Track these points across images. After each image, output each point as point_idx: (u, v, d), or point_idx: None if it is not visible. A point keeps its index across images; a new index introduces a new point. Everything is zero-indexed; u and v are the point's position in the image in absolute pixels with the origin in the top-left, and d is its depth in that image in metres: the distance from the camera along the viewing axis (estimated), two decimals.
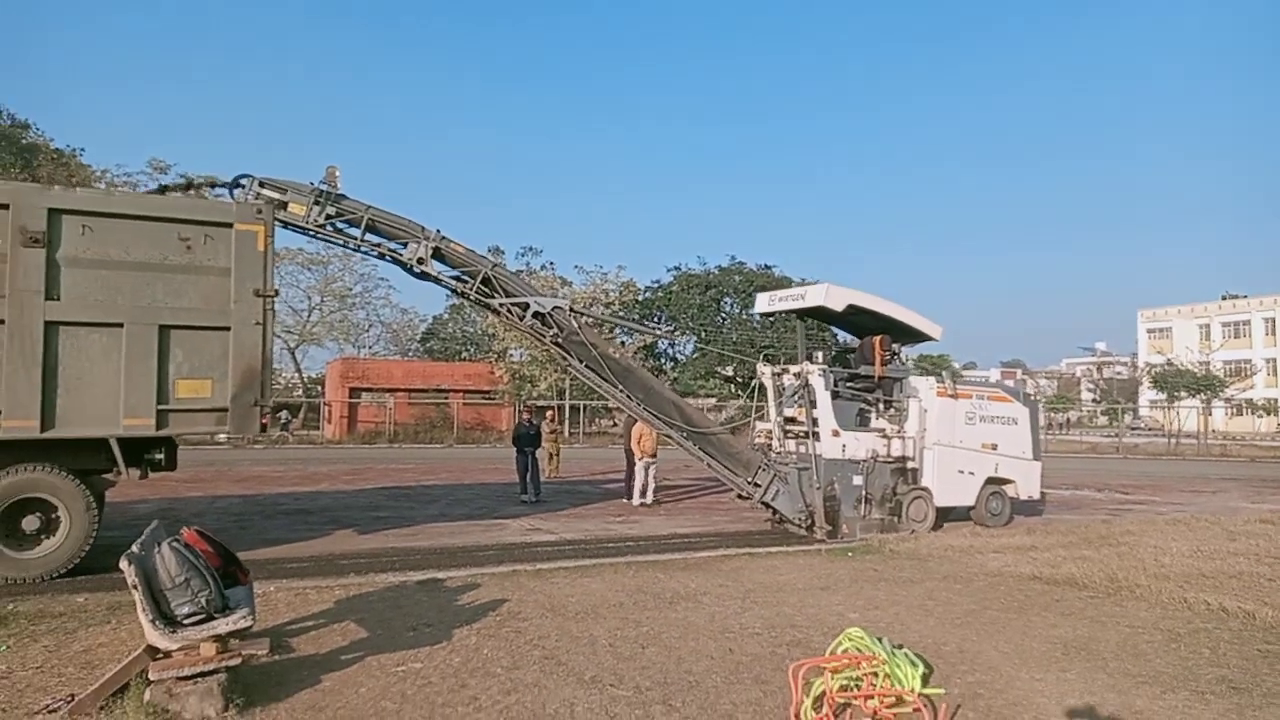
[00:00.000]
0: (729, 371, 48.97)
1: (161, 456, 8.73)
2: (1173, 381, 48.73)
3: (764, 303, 13.50)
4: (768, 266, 52.56)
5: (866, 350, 12.23)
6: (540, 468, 15.77)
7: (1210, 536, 11.14)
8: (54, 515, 7.89)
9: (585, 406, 42.29)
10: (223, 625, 4.42)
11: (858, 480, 11.43)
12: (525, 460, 14.93)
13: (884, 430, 11.92)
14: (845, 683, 4.61)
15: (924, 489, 11.92)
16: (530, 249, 49.57)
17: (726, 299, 52.30)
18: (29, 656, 5.39)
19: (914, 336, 12.99)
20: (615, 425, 47.68)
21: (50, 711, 4.39)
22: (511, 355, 42.64)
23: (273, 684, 4.83)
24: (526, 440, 15.12)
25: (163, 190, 9.93)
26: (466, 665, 5.28)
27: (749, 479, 11.50)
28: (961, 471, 12.27)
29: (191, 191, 10.20)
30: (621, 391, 11.51)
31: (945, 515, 12.35)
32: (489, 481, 17.96)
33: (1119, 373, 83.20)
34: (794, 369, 12.05)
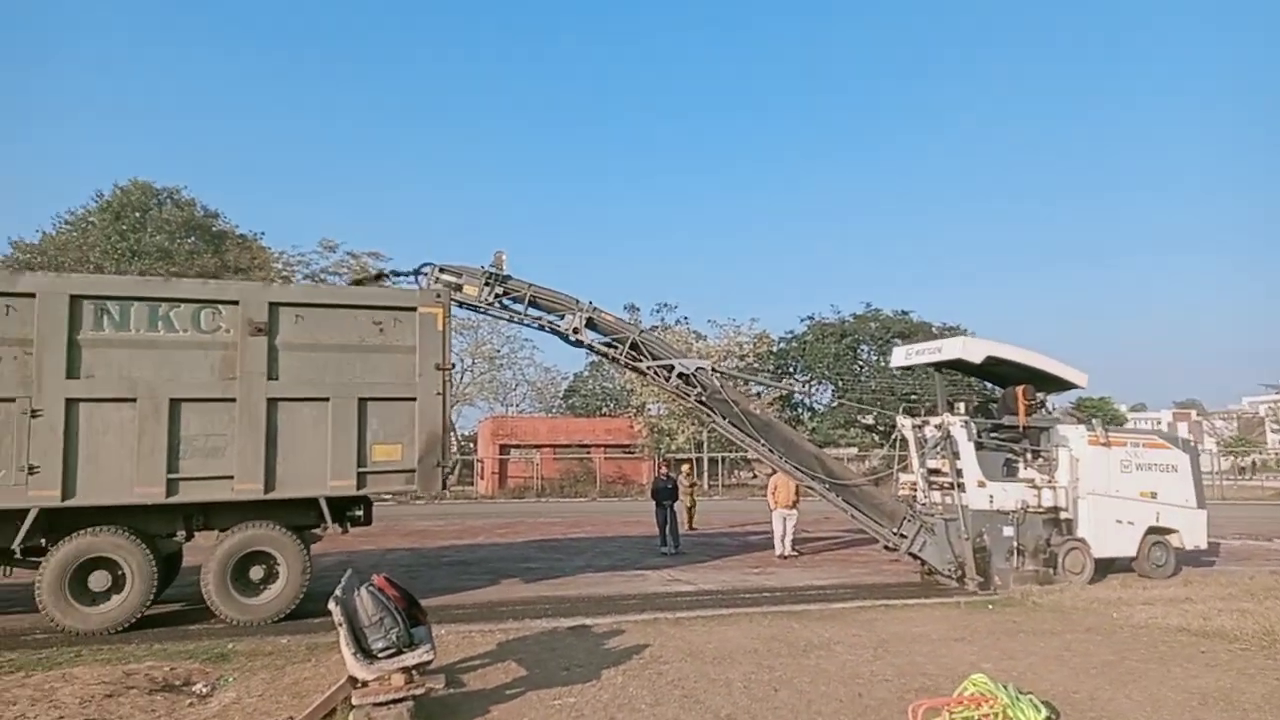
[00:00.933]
0: (869, 420, 48.01)
1: (361, 513, 9.94)
2: None
3: (901, 356, 13.77)
4: (904, 312, 51.52)
5: (1010, 400, 12.21)
6: (679, 520, 16.29)
7: None
8: (275, 566, 9.11)
9: (724, 459, 42.59)
10: (410, 658, 5.22)
11: (1008, 531, 11.32)
12: (664, 513, 15.54)
13: (1033, 480, 11.79)
14: None
15: (1080, 540, 11.65)
16: (665, 305, 50.67)
17: (863, 346, 51.56)
18: (251, 687, 6.40)
19: (1058, 385, 12.85)
20: (755, 478, 47.64)
21: None
22: (649, 410, 43.66)
23: (449, 713, 5.58)
24: (664, 494, 15.74)
25: (358, 282, 11.38)
26: (614, 701, 5.87)
27: (894, 530, 11.61)
28: (1120, 521, 11.93)
29: (382, 281, 11.67)
30: (764, 445, 12.00)
31: (1107, 567, 12.03)
32: (631, 534, 18.64)
33: None
34: (935, 421, 12.15)
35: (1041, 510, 11.57)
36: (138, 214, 37.90)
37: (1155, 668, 6.66)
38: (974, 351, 12.06)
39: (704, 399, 12.04)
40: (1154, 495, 12.20)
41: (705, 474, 40.58)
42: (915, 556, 11.68)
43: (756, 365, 43.68)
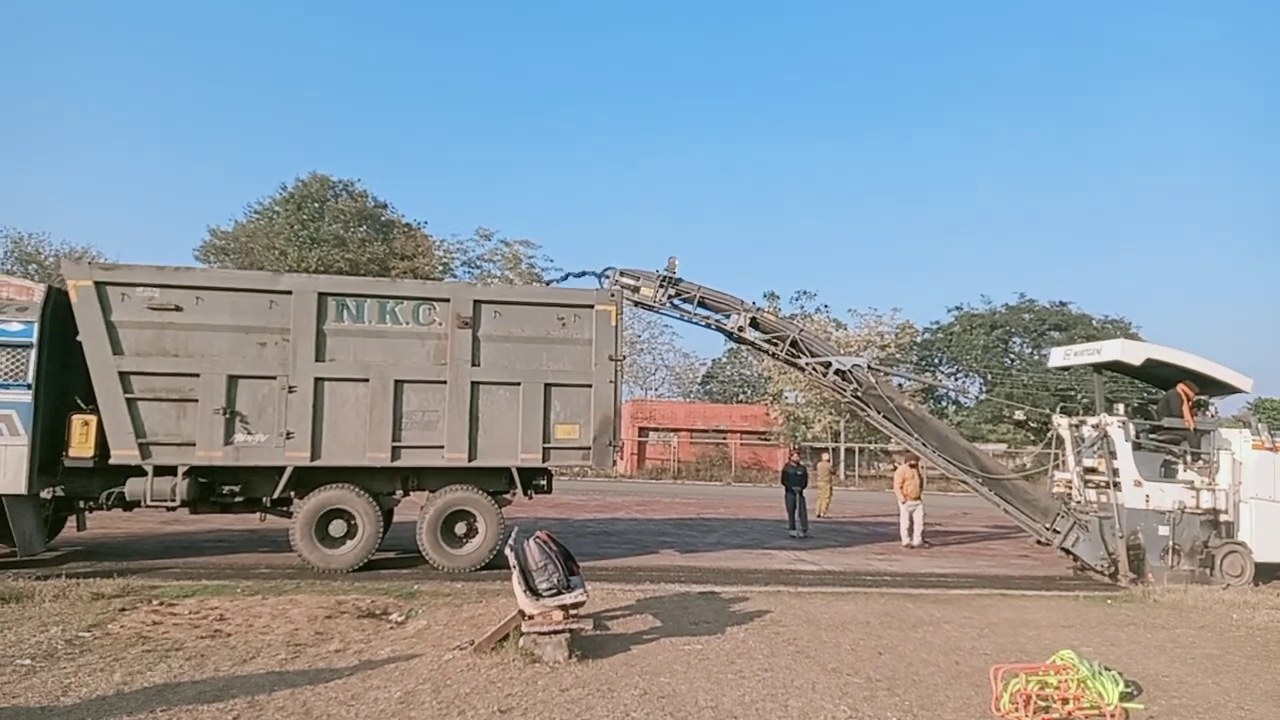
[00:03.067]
0: (1020, 416, 46.30)
1: (544, 483, 11.39)
2: None
3: (1059, 357, 14.03)
4: (1062, 303, 49.26)
5: (1173, 403, 12.31)
6: (808, 506, 16.97)
7: None
8: (475, 524, 10.68)
9: (861, 450, 42.43)
10: (568, 598, 6.38)
11: (1164, 531, 11.53)
12: (793, 498, 16.28)
13: (1192, 482, 11.88)
14: (1043, 686, 5.52)
15: (1240, 543, 11.67)
16: (804, 293, 50.69)
17: (1015, 339, 49.75)
18: (437, 618, 7.78)
19: (1221, 388, 12.81)
20: (894, 469, 47.10)
21: (460, 649, 6.59)
22: (786, 398, 44.01)
23: (597, 648, 6.70)
24: (795, 480, 16.46)
25: (547, 283, 12.85)
26: (735, 650, 6.84)
27: (1047, 525, 12.03)
28: None
29: (566, 281, 13.10)
30: (917, 440, 12.65)
31: (1271, 572, 11.94)
32: (762, 517, 19.44)
33: None
34: (1092, 421, 12.45)
35: (1199, 512, 11.65)
36: (316, 205, 41.74)
37: (1256, 663, 6.95)
38: (1133, 354, 12.28)
39: (859, 394, 12.79)
40: None
41: (842, 464, 40.62)
42: (1067, 551, 12.03)
43: (898, 356, 43.09)
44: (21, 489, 9.36)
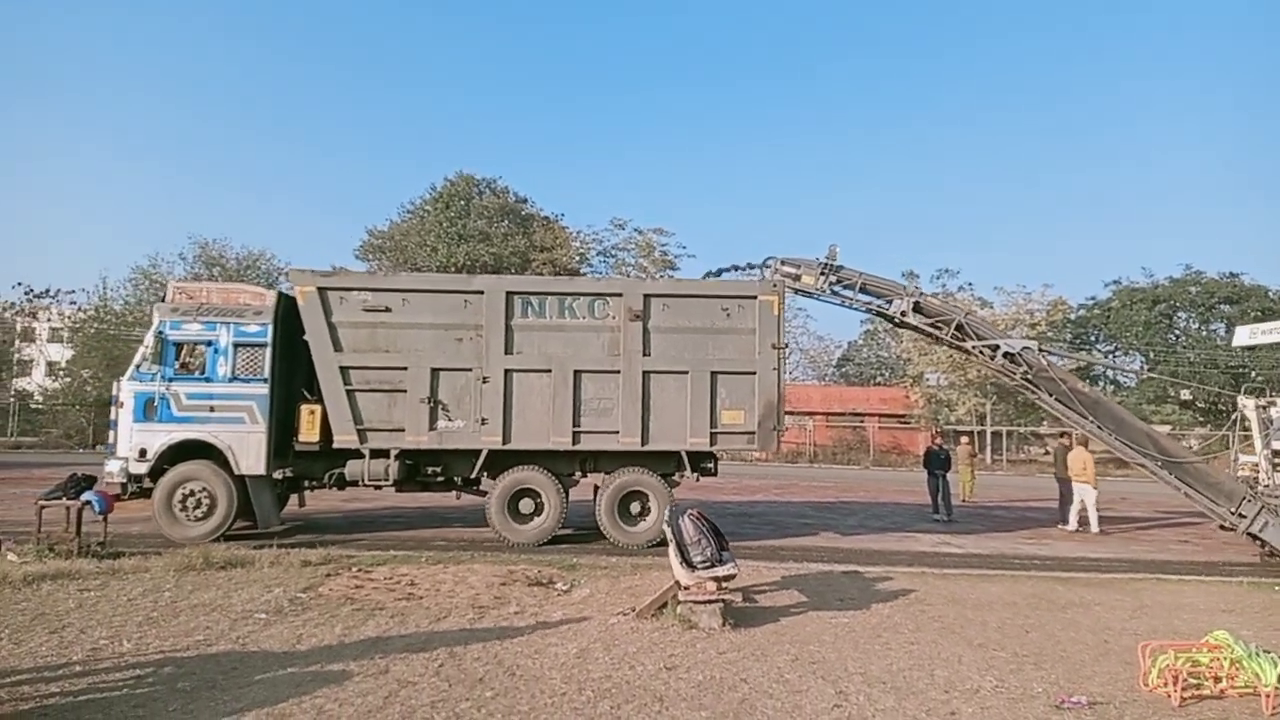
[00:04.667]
0: (1186, 395, 43.26)
1: (711, 466, 12.04)
2: None
3: (1244, 335, 13.70)
4: (1234, 274, 45.44)
5: None
6: (951, 490, 16.80)
7: None
8: (647, 504, 11.46)
9: (1009, 433, 40.86)
10: (721, 570, 6.91)
11: None
12: (936, 482, 16.17)
13: None
14: (1193, 664, 5.58)
15: None
16: (946, 270, 49.18)
17: (1180, 314, 46.35)
18: (598, 587, 8.49)
19: None
20: (1046, 453, 44.98)
21: (623, 614, 7.25)
22: (927, 380, 42.86)
23: (748, 618, 7.20)
24: (937, 463, 16.32)
25: (716, 274, 13.43)
26: (881, 625, 7.18)
27: (1233, 510, 11.57)
28: None
29: (730, 273, 13.59)
30: (1092, 422, 12.33)
31: None
32: (903, 501, 19.35)
33: None
34: None
35: None
36: (462, 202, 43.96)
37: None
38: None
39: (1029, 377, 12.63)
40: None
41: (988, 448, 39.29)
42: (1255, 537, 11.56)
43: (1050, 335, 41.09)
44: (262, 470, 10.89)
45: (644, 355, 11.25)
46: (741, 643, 6.42)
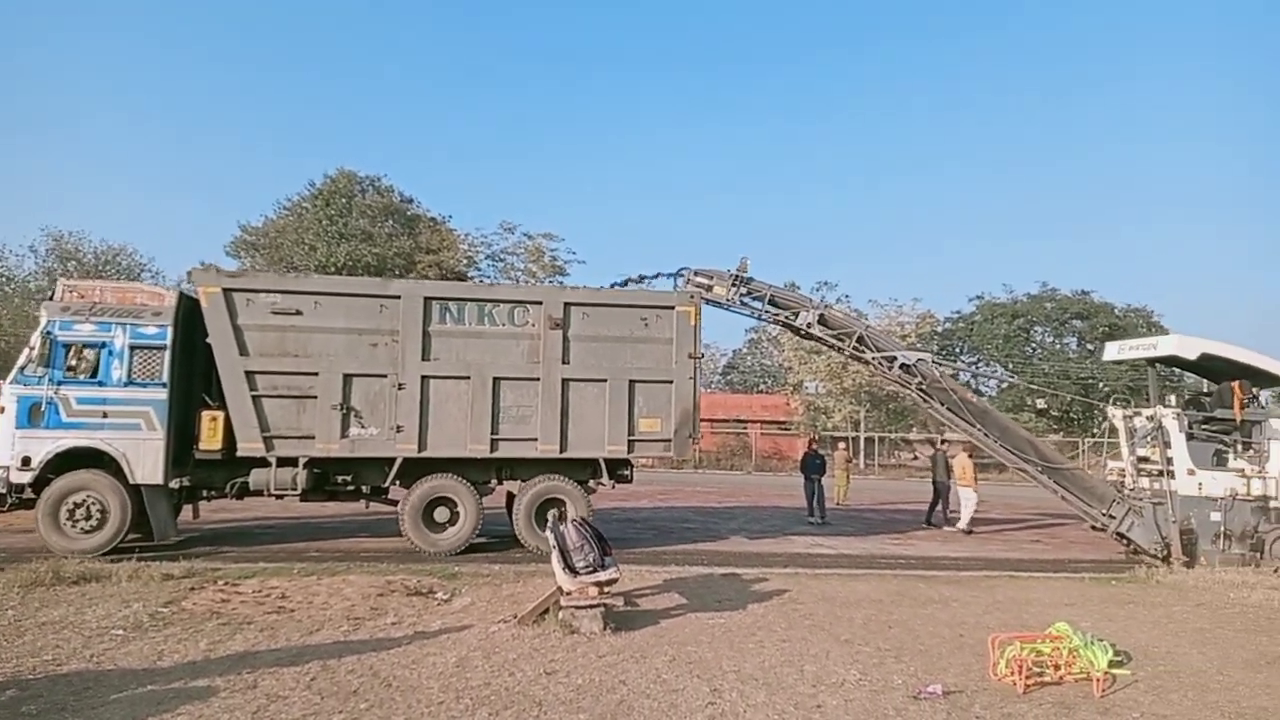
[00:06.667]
0: (1041, 404, 46.37)
1: (627, 473, 12.13)
2: None
3: (1113, 351, 14.61)
4: (1084, 292, 49.19)
5: (1225, 395, 12.85)
6: (826, 494, 17.48)
7: None
8: (564, 510, 11.33)
9: (881, 439, 42.78)
10: (603, 575, 7.00)
11: (1215, 517, 12.09)
12: (812, 486, 16.80)
13: (1243, 470, 12.42)
14: (1037, 654, 6.05)
15: None
16: (825, 283, 50.93)
17: (1037, 328, 49.76)
18: (480, 596, 8.41)
19: (1272, 380, 13.44)
20: (915, 459, 47.35)
21: (505, 622, 7.22)
22: (806, 388, 44.39)
23: (628, 621, 7.30)
24: (813, 468, 16.97)
25: (623, 283, 13.51)
26: (755, 624, 7.43)
27: (1103, 511, 12.55)
28: None
29: (642, 283, 13.69)
30: (980, 430, 13.17)
31: None
32: (782, 505, 19.97)
33: None
34: (1147, 412, 13.05)
35: (1250, 498, 12.18)
36: (344, 200, 42.46)
37: (1242, 636, 7.44)
38: (1189, 348, 12.81)
39: (924, 387, 13.31)
40: None
41: (861, 453, 40.98)
42: (1122, 536, 12.53)
43: (919, 346, 43.29)
44: (159, 479, 10.30)
45: (563, 363, 11.29)
46: (622, 646, 6.52)
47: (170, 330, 10.40)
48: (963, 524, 15.96)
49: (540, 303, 11.40)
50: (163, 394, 10.34)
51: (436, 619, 7.36)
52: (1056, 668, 5.99)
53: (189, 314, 10.63)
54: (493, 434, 11.08)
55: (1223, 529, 11.91)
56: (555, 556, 7.07)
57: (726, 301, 13.32)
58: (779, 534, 14.71)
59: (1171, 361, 13.98)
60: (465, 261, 42.96)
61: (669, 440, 11.57)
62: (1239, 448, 12.59)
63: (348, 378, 10.78)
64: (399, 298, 11.05)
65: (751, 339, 67.95)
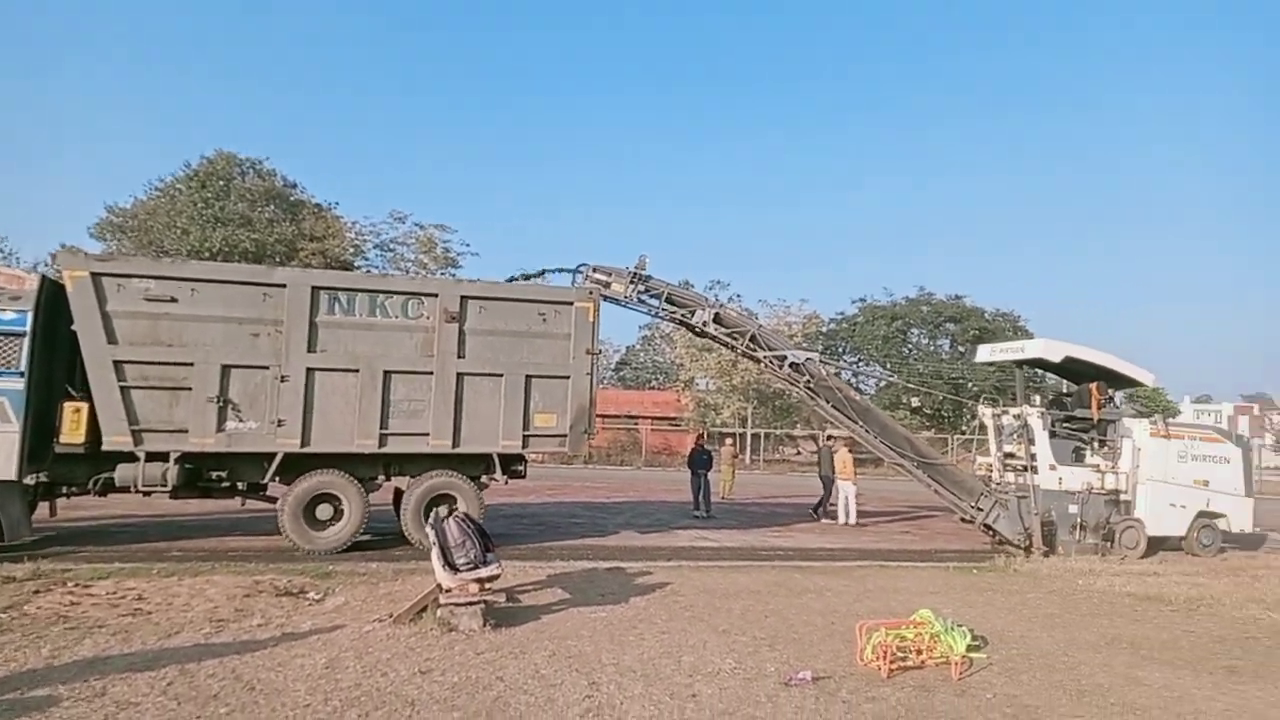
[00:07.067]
0: (915, 403, 48.57)
1: (521, 468, 11.97)
2: None
3: (985, 353, 15.49)
4: (958, 296, 51.81)
5: (1084, 396, 13.74)
6: (712, 488, 17.81)
7: None
8: (455, 507, 11.00)
9: (767, 435, 43.92)
10: (484, 571, 6.89)
11: (1073, 509, 12.94)
12: (698, 481, 17.10)
13: (1098, 466, 13.35)
14: (900, 640, 6.34)
15: (1136, 520, 13.22)
16: (718, 282, 51.80)
17: (913, 330, 52.10)
18: (355, 595, 8.15)
19: (1127, 382, 14.49)
20: (799, 454, 48.87)
21: (380, 621, 7.03)
22: (697, 385, 45.10)
23: (509, 617, 7.23)
24: (700, 463, 17.28)
25: (526, 277, 13.18)
26: (636, 616, 7.49)
27: (972, 504, 13.21)
28: (1173, 505, 13.47)
29: (541, 278, 13.37)
30: (862, 427, 13.65)
31: (1159, 545, 13.48)
32: (669, 500, 20.22)
33: None
34: (1014, 411, 13.85)
35: (1104, 492, 13.11)
36: (222, 183, 40.28)
37: (1087, 619, 8.02)
38: (1054, 352, 13.67)
39: (812, 386, 13.69)
40: (1206, 483, 13.71)
41: (748, 448, 41.95)
42: (989, 528, 13.23)
43: (806, 345, 44.63)
44: (12, 475, 9.48)
45: (459, 357, 11.03)
46: (501, 642, 6.44)
47: (30, 316, 9.61)
48: (849, 518, 16.51)
49: (436, 295, 11.12)
50: (19, 384, 9.54)
51: (307, 619, 7.08)
52: (919, 652, 6.29)
53: (52, 299, 9.87)
54: (382, 429, 10.74)
55: (1079, 520, 12.83)
56: (435, 553, 6.93)
57: (625, 298, 13.38)
58: (665, 528, 14.89)
59: (1037, 364, 14.91)
60: (352, 250, 41.54)
61: (565, 436, 11.51)
62: (1095, 445, 13.57)
63: (226, 369, 10.26)
64: (284, 286, 10.57)
65: (645, 336, 68.51)
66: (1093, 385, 13.51)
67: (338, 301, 10.76)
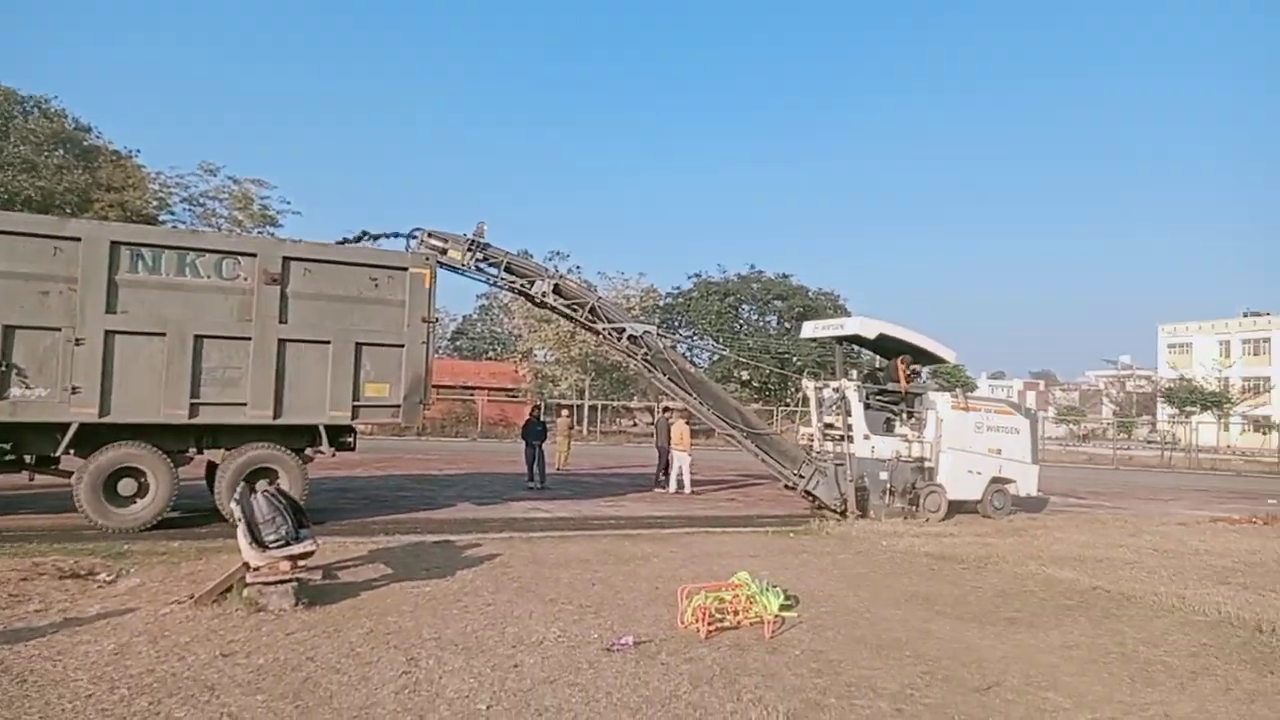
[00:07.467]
0: (745, 376, 50.48)
1: (351, 440, 11.41)
2: (1183, 397, 49.82)
3: (809, 330, 16.32)
4: (785, 275, 54.22)
5: (892, 370, 14.68)
6: (547, 459, 17.81)
7: (1114, 532, 12.96)
8: (277, 481, 10.28)
9: (605, 407, 44.41)
10: (296, 549, 6.54)
11: (884, 476, 13.82)
12: (533, 452, 17.05)
13: (906, 436, 14.33)
14: (719, 602, 6.59)
15: (939, 485, 14.24)
16: (557, 253, 51.46)
17: (745, 306, 54.09)
18: (152, 575, 7.54)
19: (933, 359, 15.58)
20: (635, 425, 49.74)
21: (179, 602, 6.53)
22: (535, 356, 44.86)
23: (325, 596, 6.92)
24: (534, 434, 17.22)
25: (356, 239, 12.49)
26: (462, 590, 7.37)
27: (795, 472, 13.83)
28: (970, 471, 14.60)
29: (373, 241, 12.66)
30: (695, 399, 13.99)
31: (958, 508, 14.56)
32: (504, 471, 20.05)
33: (1140, 386, 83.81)
34: (833, 384, 14.62)
35: (910, 460, 14.09)
36: (0, 122, 35.83)
37: (889, 578, 8.65)
38: (870, 329, 14.49)
39: (649, 358, 13.82)
40: (999, 452, 14.95)
41: (585, 420, 42.25)
42: (809, 494, 13.93)
43: (643, 318, 45.31)
44: None
45: (280, 322, 10.37)
46: (314, 621, 6.15)
47: None
48: (681, 487, 16.98)
49: (255, 255, 10.44)
50: None
51: (95, 603, 6.48)
52: (736, 613, 6.56)
53: None
54: (193, 398, 10.03)
55: (889, 486, 13.81)
56: (242, 529, 6.49)
57: (462, 266, 13.01)
58: (498, 500, 14.75)
59: (855, 340, 15.86)
60: (156, 204, 38.05)
61: (398, 407, 11.14)
62: (904, 416, 14.64)
63: (9, 330, 9.25)
64: (79, 240, 9.59)
65: (483, 305, 67.26)
66: (898, 359, 14.54)
67: (141, 259, 9.87)
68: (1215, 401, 49.43)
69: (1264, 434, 54.43)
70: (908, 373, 14.55)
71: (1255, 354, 71.29)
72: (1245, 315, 74.56)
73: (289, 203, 43.68)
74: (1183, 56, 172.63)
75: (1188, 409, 49.05)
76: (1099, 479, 28.23)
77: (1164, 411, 59.23)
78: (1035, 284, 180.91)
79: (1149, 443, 55.77)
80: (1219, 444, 51.06)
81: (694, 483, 17.28)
